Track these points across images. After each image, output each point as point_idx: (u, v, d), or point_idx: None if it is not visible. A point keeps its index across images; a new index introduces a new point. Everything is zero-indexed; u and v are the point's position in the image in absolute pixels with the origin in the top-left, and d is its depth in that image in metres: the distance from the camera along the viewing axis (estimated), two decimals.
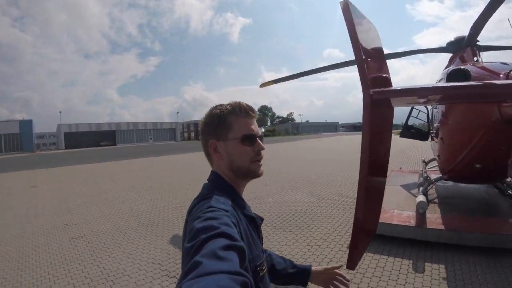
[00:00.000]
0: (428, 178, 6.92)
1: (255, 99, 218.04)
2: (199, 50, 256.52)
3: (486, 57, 5.73)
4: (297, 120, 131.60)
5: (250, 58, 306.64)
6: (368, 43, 1.48)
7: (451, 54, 6.56)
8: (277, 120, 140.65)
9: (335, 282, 1.52)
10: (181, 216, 7.15)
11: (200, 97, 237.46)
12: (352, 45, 1.27)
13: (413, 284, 3.84)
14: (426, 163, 9.20)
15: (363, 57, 1.28)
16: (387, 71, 1.90)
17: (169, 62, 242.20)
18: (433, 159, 9.16)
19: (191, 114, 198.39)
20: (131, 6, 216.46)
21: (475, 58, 5.69)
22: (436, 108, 6.49)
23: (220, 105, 1.16)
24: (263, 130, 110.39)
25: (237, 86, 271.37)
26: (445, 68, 6.70)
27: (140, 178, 14.19)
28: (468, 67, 4.80)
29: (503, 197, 6.34)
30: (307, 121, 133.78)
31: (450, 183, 7.00)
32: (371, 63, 1.48)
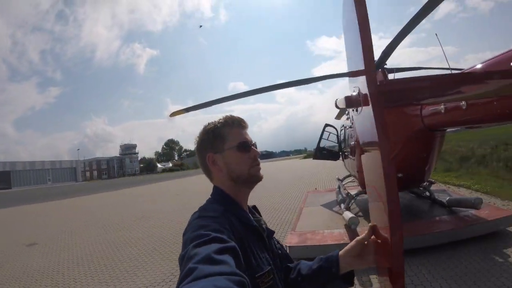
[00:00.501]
0: (349, 194, 7.12)
1: (161, 132, 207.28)
2: (103, 82, 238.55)
3: None
4: None
5: (156, 91, 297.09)
6: None
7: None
8: (185, 153, 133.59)
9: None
10: (78, 277, 5.74)
11: (102, 132, 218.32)
12: (361, 27, 1.14)
13: None
14: (341, 180, 9.61)
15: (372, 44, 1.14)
16: None
17: (70, 94, 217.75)
18: (348, 176, 9.73)
19: (93, 151, 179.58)
20: (36, 29, 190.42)
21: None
22: (351, 127, 6.86)
23: (212, 122, 1.20)
24: (170, 164, 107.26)
25: (142, 120, 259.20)
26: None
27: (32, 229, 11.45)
28: None
29: (421, 200, 6.93)
30: None
31: (366, 196, 7.34)
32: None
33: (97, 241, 8.39)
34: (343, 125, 9.07)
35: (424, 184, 6.55)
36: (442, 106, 3.87)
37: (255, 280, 0.99)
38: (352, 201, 6.84)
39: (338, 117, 11.55)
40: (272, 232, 1.25)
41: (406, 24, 3.24)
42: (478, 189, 9.03)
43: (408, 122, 4.79)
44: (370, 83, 1.08)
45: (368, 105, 1.13)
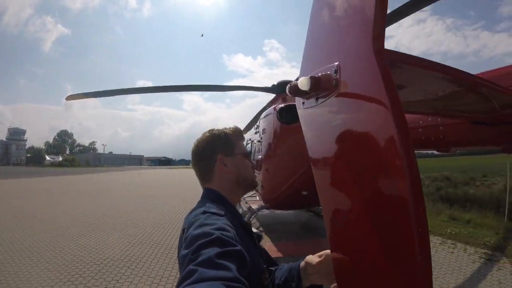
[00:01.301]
0: (251, 208, 7.07)
1: (55, 121, 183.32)
2: (3, 52, 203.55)
3: None
4: (100, 150, 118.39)
5: (58, 74, 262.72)
6: None
7: (274, 95, 7.05)
8: (78, 148, 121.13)
9: None
10: None
11: None
12: None
13: None
14: None
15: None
16: None
17: None
18: None
19: None
20: None
21: None
22: (259, 141, 6.79)
23: (218, 128, 1.29)
24: (60, 158, 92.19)
25: (36, 103, 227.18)
26: (267, 106, 7.13)
27: None
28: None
29: (320, 218, 7.08)
30: (111, 152, 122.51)
31: (266, 211, 7.37)
32: None
33: None
34: (250, 139, 9.02)
35: None
36: None
37: (260, 277, 1.02)
38: (253, 216, 6.78)
39: (245, 131, 11.51)
40: (260, 236, 1.26)
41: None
42: None
43: None
44: (376, 38, 0.77)
45: (361, 84, 0.86)
